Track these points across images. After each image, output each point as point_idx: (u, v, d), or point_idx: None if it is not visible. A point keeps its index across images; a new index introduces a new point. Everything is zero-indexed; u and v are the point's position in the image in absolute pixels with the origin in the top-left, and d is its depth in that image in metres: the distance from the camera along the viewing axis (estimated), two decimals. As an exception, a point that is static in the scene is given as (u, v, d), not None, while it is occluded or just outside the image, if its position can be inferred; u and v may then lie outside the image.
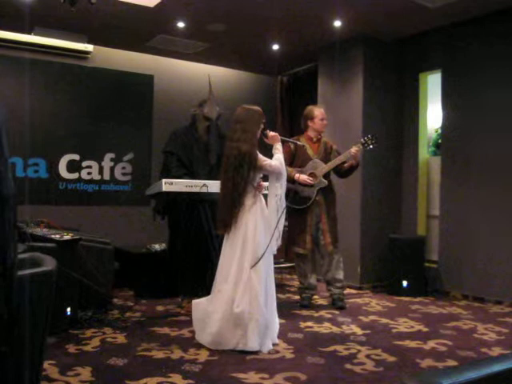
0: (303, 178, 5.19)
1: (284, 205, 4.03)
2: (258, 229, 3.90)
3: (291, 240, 5.42)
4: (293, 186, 5.15)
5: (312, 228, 5.22)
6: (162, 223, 5.49)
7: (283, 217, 4.03)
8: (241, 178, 3.92)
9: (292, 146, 5.32)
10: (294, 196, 5.26)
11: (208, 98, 5.32)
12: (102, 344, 3.84)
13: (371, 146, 5.19)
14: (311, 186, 5.19)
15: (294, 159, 5.34)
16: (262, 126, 4.10)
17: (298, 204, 5.23)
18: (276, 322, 4.04)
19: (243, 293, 3.77)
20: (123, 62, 7.15)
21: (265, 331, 3.79)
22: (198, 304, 3.98)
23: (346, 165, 5.24)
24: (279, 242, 4.05)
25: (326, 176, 5.26)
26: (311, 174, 5.22)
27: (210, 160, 5.12)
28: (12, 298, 1.62)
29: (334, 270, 5.26)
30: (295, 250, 5.32)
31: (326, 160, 5.27)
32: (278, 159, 4.07)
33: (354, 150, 5.10)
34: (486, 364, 1.29)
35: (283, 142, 4.37)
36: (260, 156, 4.01)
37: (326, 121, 5.37)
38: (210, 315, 3.85)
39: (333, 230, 5.25)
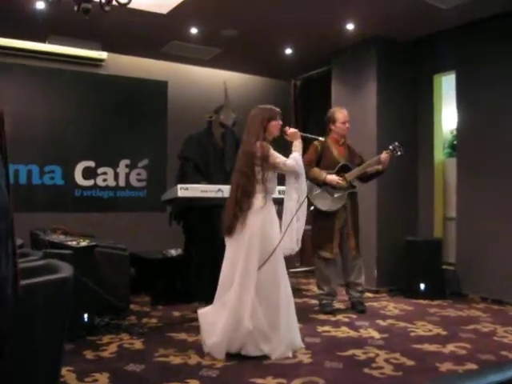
0: (334, 178, 5.09)
1: (305, 207, 3.89)
2: (265, 233, 3.75)
3: (316, 244, 5.24)
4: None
5: (339, 232, 5.16)
6: (177, 229, 5.49)
7: (303, 219, 3.88)
8: (247, 178, 3.78)
9: (319, 146, 5.25)
10: (323, 198, 5.20)
11: (224, 104, 5.32)
12: (120, 350, 3.84)
13: (399, 153, 5.15)
14: (340, 188, 5.13)
15: (321, 160, 5.24)
16: (274, 123, 3.91)
17: (326, 207, 5.16)
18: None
19: (252, 306, 3.62)
20: (137, 69, 7.20)
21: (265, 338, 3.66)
22: (205, 315, 3.83)
23: (369, 169, 5.20)
24: (299, 245, 3.88)
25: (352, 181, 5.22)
26: (341, 177, 5.16)
27: (226, 167, 5.11)
28: (2, 314, 1.47)
29: (355, 274, 5.22)
30: (321, 255, 5.17)
31: (351, 164, 5.22)
32: (294, 158, 3.86)
33: (383, 155, 5.08)
34: (509, 367, 1.27)
35: (304, 139, 4.17)
36: (273, 154, 3.82)
37: (348, 124, 5.26)
38: (214, 325, 3.71)
39: (356, 235, 5.22)
